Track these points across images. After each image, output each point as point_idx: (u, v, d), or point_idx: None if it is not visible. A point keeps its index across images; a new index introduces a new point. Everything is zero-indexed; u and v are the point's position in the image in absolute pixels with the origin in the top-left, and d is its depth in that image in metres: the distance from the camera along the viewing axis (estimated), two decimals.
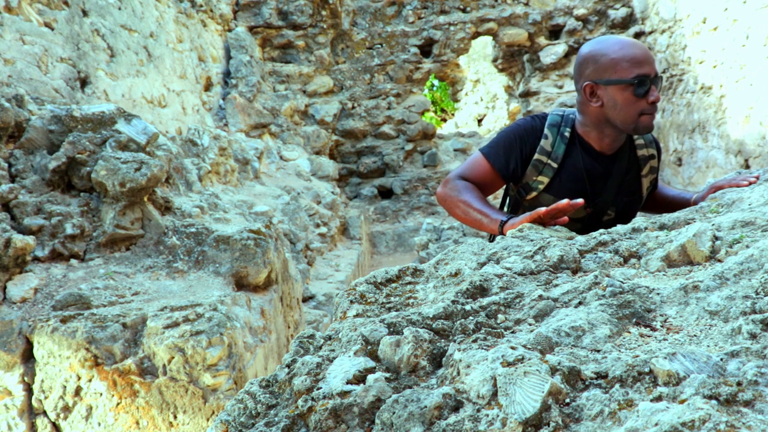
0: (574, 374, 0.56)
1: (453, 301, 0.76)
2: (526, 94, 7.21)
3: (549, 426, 0.51)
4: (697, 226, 0.86)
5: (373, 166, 7.19)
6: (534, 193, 1.36)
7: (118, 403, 1.59)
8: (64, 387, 1.62)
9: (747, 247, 0.77)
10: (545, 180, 1.34)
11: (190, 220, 2.18)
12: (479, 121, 11.81)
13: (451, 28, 7.05)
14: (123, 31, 4.11)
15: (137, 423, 1.58)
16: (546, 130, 1.34)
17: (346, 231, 6.04)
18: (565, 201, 1.07)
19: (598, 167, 1.34)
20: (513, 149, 1.34)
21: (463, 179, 1.35)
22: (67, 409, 1.62)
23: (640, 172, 1.38)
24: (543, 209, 1.09)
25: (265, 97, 6.50)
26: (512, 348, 0.61)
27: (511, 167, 1.35)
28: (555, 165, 1.33)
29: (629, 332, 0.66)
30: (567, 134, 1.34)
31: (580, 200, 1.07)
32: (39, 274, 1.85)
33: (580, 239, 0.96)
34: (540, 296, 0.75)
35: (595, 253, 0.90)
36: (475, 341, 0.66)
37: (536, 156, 1.33)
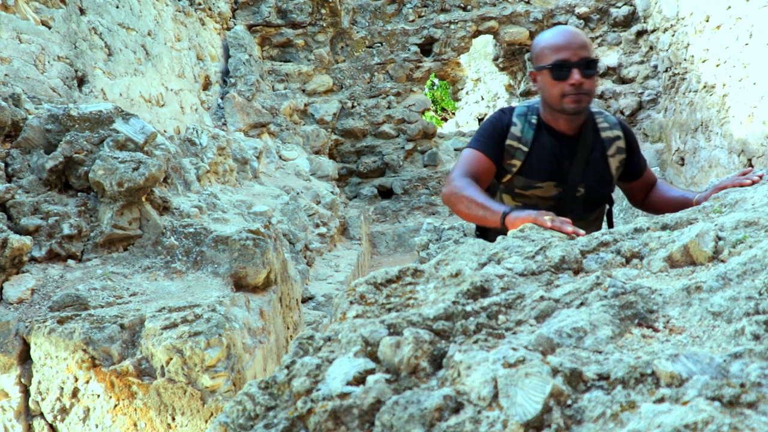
0: (575, 376, 0.56)
1: (453, 302, 0.75)
2: (527, 93, 7.21)
3: (550, 428, 0.51)
4: (699, 226, 0.85)
5: (373, 165, 7.18)
6: (508, 176, 1.50)
7: (115, 405, 1.58)
8: (62, 388, 1.61)
9: (750, 247, 0.76)
10: (518, 163, 1.48)
11: (189, 221, 2.17)
12: (480, 120, 11.80)
13: (452, 26, 7.04)
14: (121, 30, 4.10)
15: (135, 425, 1.57)
16: (514, 119, 1.50)
17: (345, 231, 6.03)
18: (571, 228, 1.09)
19: (563, 148, 1.47)
20: (494, 137, 1.49)
21: (464, 177, 1.42)
22: (64, 411, 1.61)
23: (606, 152, 1.50)
24: (548, 220, 1.11)
25: (264, 96, 6.49)
26: (513, 349, 0.60)
27: (498, 153, 1.49)
28: (525, 149, 1.47)
29: (631, 333, 0.65)
30: (534, 121, 1.49)
31: (582, 231, 1.09)
32: (36, 275, 1.84)
33: (582, 239, 0.96)
34: (541, 297, 0.75)
35: (596, 254, 0.89)
36: (475, 342, 0.65)
37: (508, 141, 1.48)
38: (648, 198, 1.58)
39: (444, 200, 1.44)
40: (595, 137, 1.49)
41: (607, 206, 1.59)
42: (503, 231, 1.23)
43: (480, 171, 1.44)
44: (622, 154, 1.51)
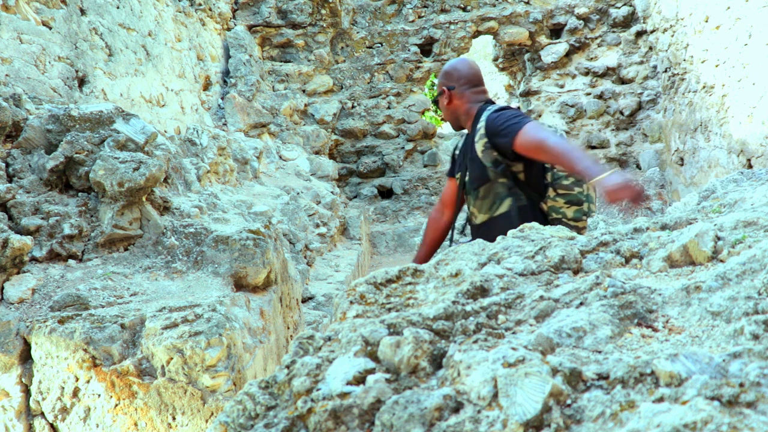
0: (575, 375, 0.56)
1: (453, 302, 0.75)
2: (527, 94, 7.20)
3: (550, 427, 0.51)
4: (699, 226, 0.85)
5: (373, 165, 7.18)
6: (458, 174, 1.94)
7: (116, 405, 1.59)
8: (62, 388, 1.61)
9: (749, 247, 0.76)
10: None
11: (189, 220, 2.17)
12: None
13: (452, 26, 7.04)
14: (121, 30, 4.10)
15: (135, 424, 1.57)
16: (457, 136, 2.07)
17: (345, 231, 6.03)
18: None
19: (465, 143, 1.94)
20: (451, 156, 2.02)
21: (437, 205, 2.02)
22: (65, 411, 1.61)
23: (474, 138, 1.86)
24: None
25: (265, 97, 6.49)
26: (513, 349, 0.60)
27: (453, 167, 1.97)
28: (458, 152, 1.98)
29: (631, 333, 0.66)
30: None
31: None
32: (37, 275, 1.85)
33: (582, 239, 0.96)
34: (541, 297, 0.75)
35: (596, 254, 0.89)
36: (475, 342, 0.65)
37: (456, 152, 1.99)
38: None
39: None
40: (474, 129, 1.87)
41: (508, 184, 1.88)
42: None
43: (446, 193, 1.97)
44: (484, 138, 1.80)
